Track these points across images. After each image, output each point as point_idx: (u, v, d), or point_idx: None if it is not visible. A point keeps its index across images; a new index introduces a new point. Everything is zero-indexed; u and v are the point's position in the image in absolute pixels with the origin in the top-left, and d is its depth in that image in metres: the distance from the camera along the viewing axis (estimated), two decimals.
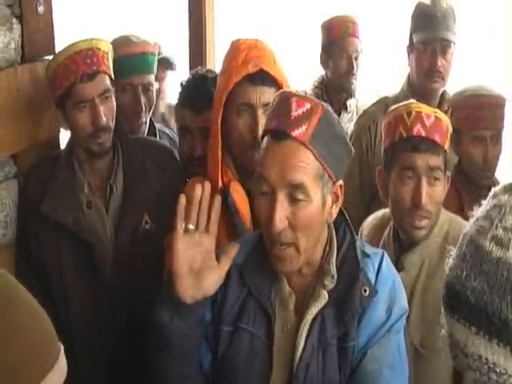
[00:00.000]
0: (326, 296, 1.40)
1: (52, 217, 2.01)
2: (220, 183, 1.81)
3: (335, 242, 1.44)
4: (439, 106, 2.54)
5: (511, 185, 0.90)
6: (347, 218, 1.48)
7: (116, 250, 2.02)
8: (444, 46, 2.53)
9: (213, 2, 3.13)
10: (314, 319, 1.40)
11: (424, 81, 2.59)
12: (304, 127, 1.32)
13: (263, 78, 1.75)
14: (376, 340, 1.39)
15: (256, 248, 1.46)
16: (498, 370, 0.86)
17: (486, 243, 0.86)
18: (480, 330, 0.86)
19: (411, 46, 2.62)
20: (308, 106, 1.35)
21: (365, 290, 1.39)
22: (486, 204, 0.90)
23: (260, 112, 1.75)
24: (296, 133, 1.32)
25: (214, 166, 1.82)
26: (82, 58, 1.94)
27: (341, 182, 1.41)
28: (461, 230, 0.94)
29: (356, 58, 3.05)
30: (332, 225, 1.46)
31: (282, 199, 1.32)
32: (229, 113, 1.79)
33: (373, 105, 2.75)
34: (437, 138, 1.82)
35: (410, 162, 1.81)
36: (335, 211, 1.41)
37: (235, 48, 1.81)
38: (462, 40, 2.65)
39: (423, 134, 1.81)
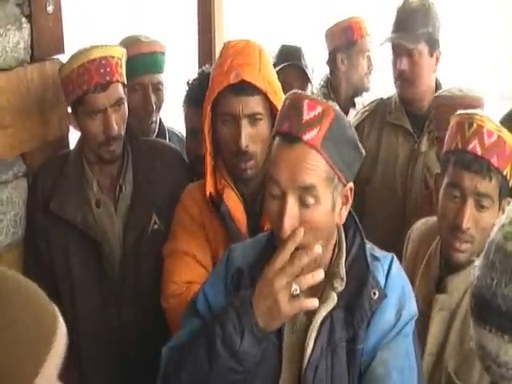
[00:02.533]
0: (336, 298, 1.40)
1: (61, 215, 2.01)
2: (213, 191, 1.82)
3: (344, 245, 1.44)
4: (429, 110, 2.46)
5: None
6: (357, 220, 1.47)
7: (124, 249, 2.03)
8: (409, 49, 2.43)
9: (221, 0, 3.13)
10: (324, 321, 1.39)
11: (396, 86, 2.54)
12: (315, 131, 1.31)
13: (245, 88, 1.73)
14: (385, 343, 1.38)
15: (268, 247, 1.46)
16: None
17: None
18: None
19: None
20: (320, 109, 1.33)
21: (374, 293, 1.38)
22: (511, 210, 0.89)
23: (244, 122, 1.74)
24: (307, 137, 1.31)
25: (205, 173, 1.84)
26: (96, 68, 1.92)
27: (351, 184, 1.39)
28: None
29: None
30: (341, 227, 1.45)
31: (292, 203, 1.32)
32: (216, 121, 1.79)
33: (366, 105, 2.73)
34: (493, 161, 1.63)
35: (457, 180, 1.66)
36: (345, 213, 1.41)
37: (224, 52, 1.80)
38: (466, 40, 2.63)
39: (478, 152, 1.63)
